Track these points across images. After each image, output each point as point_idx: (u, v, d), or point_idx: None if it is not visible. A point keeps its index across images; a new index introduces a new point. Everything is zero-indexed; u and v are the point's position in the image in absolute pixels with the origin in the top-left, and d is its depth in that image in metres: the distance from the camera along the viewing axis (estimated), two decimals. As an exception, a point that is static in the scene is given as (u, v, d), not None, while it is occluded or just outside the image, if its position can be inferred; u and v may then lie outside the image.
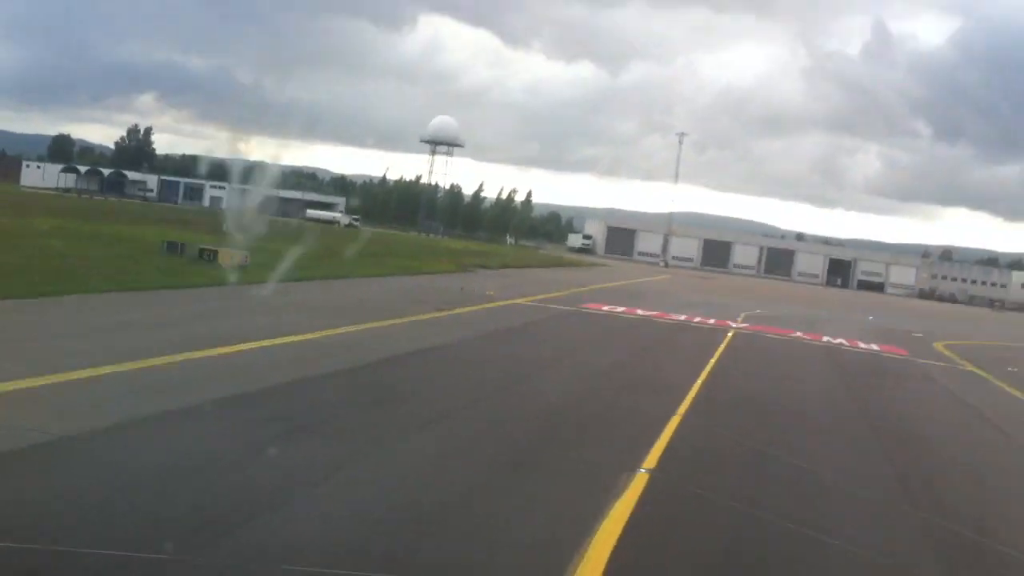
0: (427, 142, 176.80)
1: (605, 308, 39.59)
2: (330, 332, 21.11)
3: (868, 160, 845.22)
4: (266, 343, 18.42)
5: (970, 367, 34.26)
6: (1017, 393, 27.26)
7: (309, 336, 20.10)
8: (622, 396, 17.85)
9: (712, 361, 25.06)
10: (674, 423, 15.22)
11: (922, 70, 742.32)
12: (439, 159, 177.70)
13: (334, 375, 16.39)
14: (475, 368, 19.29)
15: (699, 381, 20.64)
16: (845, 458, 14.87)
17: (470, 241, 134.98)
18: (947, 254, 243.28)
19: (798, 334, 38.68)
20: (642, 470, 11.79)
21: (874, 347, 37.42)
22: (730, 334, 34.27)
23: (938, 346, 43.16)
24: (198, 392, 13.48)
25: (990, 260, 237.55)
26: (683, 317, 39.91)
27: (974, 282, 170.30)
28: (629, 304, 43.69)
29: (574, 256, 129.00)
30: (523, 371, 19.48)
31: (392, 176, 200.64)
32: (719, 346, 29.27)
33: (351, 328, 22.21)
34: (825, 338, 38.24)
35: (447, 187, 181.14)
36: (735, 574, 9.03)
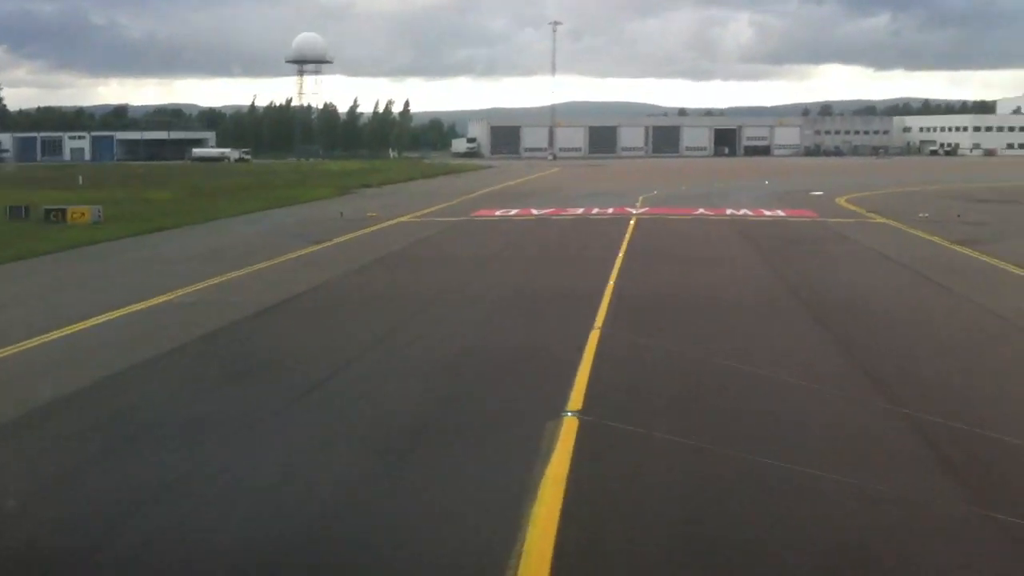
0: (292, 62, 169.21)
1: (498, 213, 37.07)
2: (186, 290, 18.12)
3: (739, 28, 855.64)
4: (109, 316, 15.44)
5: (880, 219, 33.04)
6: (937, 240, 25.94)
7: (160, 299, 17.11)
8: (529, 319, 15.45)
9: (620, 255, 22.91)
10: (592, 343, 12.94)
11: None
12: (310, 79, 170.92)
13: (188, 347, 13.55)
14: (357, 311, 16.55)
15: (611, 283, 18.41)
16: (791, 353, 12.80)
17: (352, 160, 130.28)
18: (826, 109, 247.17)
19: (701, 211, 36.92)
20: (568, 413, 9.54)
21: (780, 213, 36.01)
22: (632, 222, 32.19)
23: (841, 202, 42.14)
24: (16, 397, 10.87)
25: (868, 110, 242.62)
26: (580, 211, 37.66)
27: (856, 133, 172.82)
28: (522, 204, 41.26)
29: (460, 161, 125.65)
30: (412, 306, 16.78)
31: (262, 103, 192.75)
32: (624, 237, 27.14)
33: (212, 282, 19.25)
34: (729, 211, 36.62)
35: (320, 107, 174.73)
36: (703, 538, 6.80)
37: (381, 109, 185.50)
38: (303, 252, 24.79)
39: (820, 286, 18.36)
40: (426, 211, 38.31)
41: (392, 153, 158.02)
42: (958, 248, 24.18)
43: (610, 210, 37.59)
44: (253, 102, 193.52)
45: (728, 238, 27.79)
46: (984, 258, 22.30)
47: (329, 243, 26.84)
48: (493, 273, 20.93)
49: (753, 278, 19.84)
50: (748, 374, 11.35)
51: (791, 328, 14.40)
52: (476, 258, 23.75)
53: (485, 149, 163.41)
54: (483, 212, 37.56)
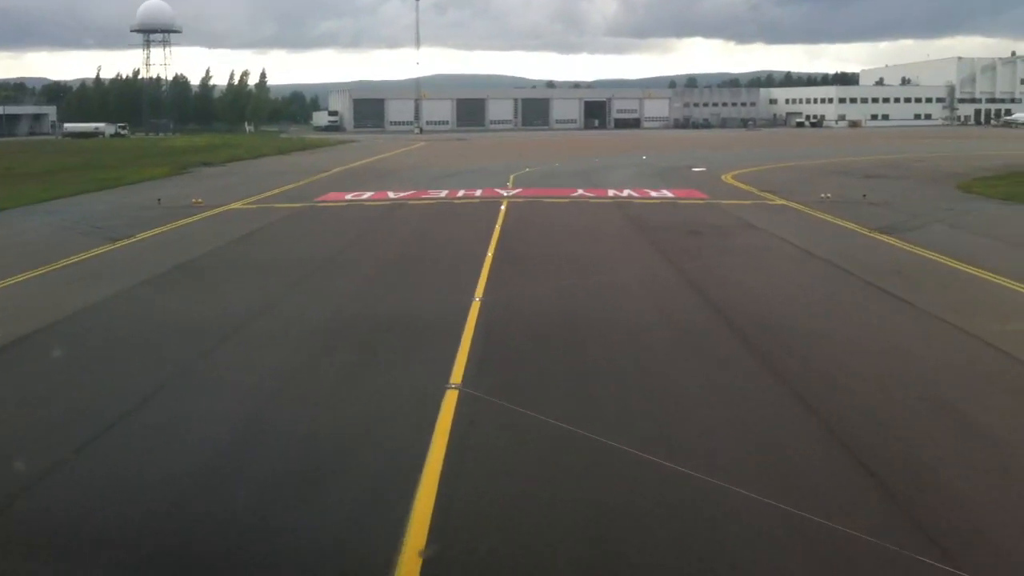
0: (138, 31, 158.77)
1: (348, 197, 32.02)
2: None
3: (604, 2, 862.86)
4: None
5: (779, 200, 29.52)
6: (854, 227, 22.39)
7: None
8: (352, 371, 10.58)
9: (489, 255, 18.46)
10: (446, 420, 8.43)
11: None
12: (158, 50, 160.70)
13: None
14: (105, 361, 11.35)
15: (476, 302, 13.92)
16: (719, 405, 8.58)
17: (204, 135, 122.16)
18: (692, 82, 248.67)
19: (580, 192, 32.83)
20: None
21: (667, 193, 32.17)
22: (503, 207, 27.73)
23: (728, 179, 38.73)
24: None
25: (731, 82, 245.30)
26: (444, 193, 32.93)
27: (724, 105, 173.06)
28: (378, 186, 36.31)
29: (320, 136, 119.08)
30: (203, 343, 11.79)
31: (108, 74, 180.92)
32: (494, 229, 22.63)
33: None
34: (611, 192, 32.58)
35: (170, 79, 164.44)
36: None
37: (236, 81, 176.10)
38: (90, 255, 19.52)
39: (746, 301, 14.06)
40: (265, 195, 32.95)
41: (248, 127, 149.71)
42: (882, 238, 20.66)
43: (478, 192, 33.03)
44: (98, 74, 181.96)
45: (617, 228, 23.53)
46: (919, 251, 18.75)
47: (129, 240, 21.59)
48: (319, 288, 15.92)
49: (659, 289, 15.48)
50: (696, 486, 6.96)
51: (735, 383, 9.89)
52: (304, 264, 18.35)
53: (348, 123, 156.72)
54: (331, 196, 32.40)
